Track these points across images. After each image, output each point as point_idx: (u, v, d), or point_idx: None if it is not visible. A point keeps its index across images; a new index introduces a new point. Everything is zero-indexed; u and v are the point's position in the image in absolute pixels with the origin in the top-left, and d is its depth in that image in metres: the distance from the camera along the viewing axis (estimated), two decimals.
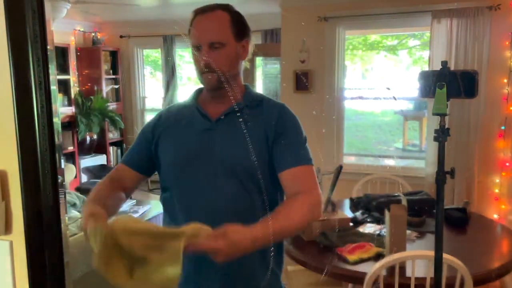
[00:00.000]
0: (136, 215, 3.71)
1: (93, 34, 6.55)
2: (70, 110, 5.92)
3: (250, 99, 1.41)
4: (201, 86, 1.45)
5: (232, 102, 1.38)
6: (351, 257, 2.12)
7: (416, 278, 1.90)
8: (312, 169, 1.36)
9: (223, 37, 1.31)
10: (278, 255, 1.45)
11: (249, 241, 1.11)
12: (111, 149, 6.70)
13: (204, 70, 1.32)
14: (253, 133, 1.34)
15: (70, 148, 5.91)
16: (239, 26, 1.35)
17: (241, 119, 1.36)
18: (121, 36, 6.70)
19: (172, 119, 1.45)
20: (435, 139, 1.52)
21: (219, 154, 1.34)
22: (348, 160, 5.15)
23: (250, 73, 5.87)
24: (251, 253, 1.16)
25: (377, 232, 2.49)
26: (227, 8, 1.34)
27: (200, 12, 1.34)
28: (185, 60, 13.63)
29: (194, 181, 1.35)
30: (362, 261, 2.13)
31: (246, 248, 1.12)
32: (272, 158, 1.34)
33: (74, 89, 6.12)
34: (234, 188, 1.33)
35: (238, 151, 1.33)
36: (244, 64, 1.42)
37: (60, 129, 0.85)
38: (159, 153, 1.43)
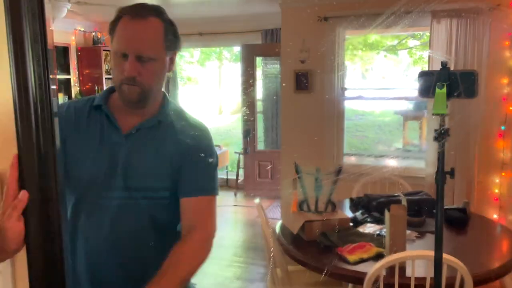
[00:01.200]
0: None
1: (93, 33, 6.55)
2: None
3: (165, 114, 1.28)
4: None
5: (146, 115, 1.26)
6: (351, 257, 2.12)
7: (416, 278, 1.90)
8: (212, 200, 1.27)
9: (155, 52, 1.18)
10: None
11: None
12: None
13: (125, 81, 1.17)
14: (161, 153, 1.23)
15: None
16: (171, 38, 1.24)
17: (154, 135, 1.25)
18: None
19: (76, 119, 1.26)
20: (435, 139, 1.52)
21: (126, 172, 1.22)
22: (348, 160, 5.15)
23: (250, 74, 5.87)
24: None
25: (377, 232, 2.49)
26: (161, 14, 1.21)
27: (130, 14, 1.17)
28: (186, 60, 13.66)
29: (97, 198, 1.22)
30: (362, 261, 2.13)
31: None
32: (175, 183, 1.24)
33: (74, 89, 6.12)
34: (134, 217, 1.24)
35: (145, 170, 1.23)
36: (168, 74, 1.32)
37: None
38: (67, 161, 1.21)
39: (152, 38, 1.18)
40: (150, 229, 1.26)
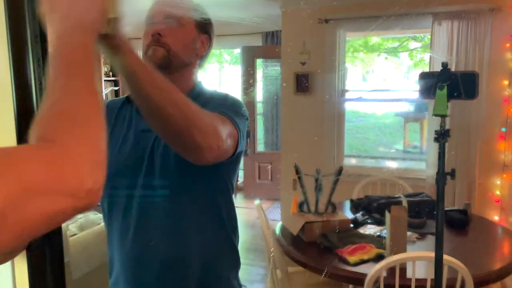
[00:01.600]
0: None
1: None
2: None
3: (197, 96, 1.22)
4: None
5: None
6: (352, 258, 2.11)
7: (417, 280, 1.89)
8: (224, 118, 1.12)
9: (183, 16, 1.19)
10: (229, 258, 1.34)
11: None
12: None
13: (152, 43, 1.19)
14: None
15: None
16: (202, 19, 1.25)
17: None
18: None
19: (110, 115, 1.29)
20: (436, 140, 1.52)
21: (152, 156, 1.20)
22: (349, 161, 5.16)
23: (251, 75, 5.88)
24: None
25: (378, 233, 2.49)
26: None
27: None
28: None
29: (133, 184, 1.21)
30: (362, 262, 2.12)
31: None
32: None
33: None
34: (172, 184, 1.21)
35: (172, 158, 1.18)
36: (201, 69, 1.33)
37: None
38: None
39: (180, 4, 1.21)
40: (185, 214, 1.23)
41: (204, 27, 1.26)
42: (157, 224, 1.22)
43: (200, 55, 1.29)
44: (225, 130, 1.08)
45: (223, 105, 1.20)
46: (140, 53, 1.18)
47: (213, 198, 1.27)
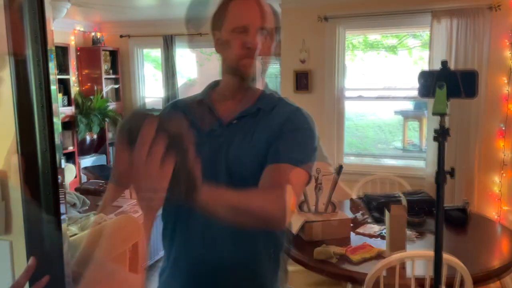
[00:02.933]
0: (136, 215, 3.71)
1: (93, 33, 6.55)
2: (70, 110, 5.92)
3: (266, 101, 1.28)
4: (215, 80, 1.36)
5: (247, 103, 1.27)
6: (354, 257, 2.12)
7: (416, 278, 1.90)
8: (292, 169, 1.16)
9: (271, 23, 1.22)
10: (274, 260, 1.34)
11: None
12: (111, 149, 6.69)
13: (244, 55, 1.19)
14: (260, 139, 1.22)
15: (70, 148, 5.91)
16: (277, 19, 1.28)
17: (254, 124, 1.24)
18: (121, 36, 6.70)
19: (182, 114, 1.32)
20: (435, 139, 1.52)
21: (229, 159, 1.23)
22: (348, 160, 5.15)
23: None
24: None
25: (377, 232, 2.49)
26: None
27: None
28: (186, 61, 13.62)
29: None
30: (364, 260, 2.13)
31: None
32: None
33: (74, 89, 6.12)
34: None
35: (244, 159, 1.22)
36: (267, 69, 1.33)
37: (60, 129, 0.85)
38: None
39: (269, 11, 1.21)
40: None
41: (278, 32, 1.28)
42: (221, 228, 1.18)
43: (272, 54, 1.29)
44: (301, 189, 1.21)
45: (298, 143, 1.21)
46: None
47: None
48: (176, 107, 1.36)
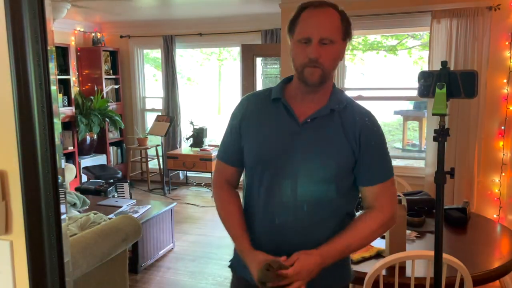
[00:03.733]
0: (136, 215, 3.72)
1: (93, 34, 6.55)
2: (70, 110, 5.93)
3: (336, 102, 1.41)
4: (284, 78, 1.49)
5: (319, 104, 1.40)
6: (354, 256, 2.12)
7: (416, 278, 1.90)
8: (392, 182, 1.43)
9: (334, 35, 1.32)
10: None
11: (319, 266, 1.31)
12: (111, 149, 6.70)
13: (308, 64, 1.32)
14: (340, 136, 1.38)
15: (70, 148, 5.91)
16: (346, 26, 1.36)
17: (328, 123, 1.39)
18: (121, 36, 6.71)
19: (255, 110, 1.47)
20: (435, 139, 1.52)
21: (305, 155, 1.37)
22: None
23: (250, 73, 5.88)
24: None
25: None
26: (336, 7, 1.36)
27: (311, 6, 1.34)
28: (186, 61, 13.63)
29: (278, 177, 1.39)
30: (364, 260, 2.13)
31: (316, 271, 1.32)
32: (354, 168, 1.40)
33: (74, 89, 6.12)
34: (313, 190, 1.38)
35: (324, 153, 1.37)
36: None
37: (60, 129, 0.85)
38: (244, 147, 1.47)
39: (331, 23, 1.33)
40: (325, 207, 1.40)
41: (348, 33, 1.38)
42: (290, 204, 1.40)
43: (341, 59, 1.42)
44: (393, 204, 1.45)
45: (384, 158, 1.44)
46: None
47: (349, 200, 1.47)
48: (249, 101, 1.51)
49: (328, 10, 1.33)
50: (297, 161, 1.37)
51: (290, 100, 1.42)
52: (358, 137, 1.38)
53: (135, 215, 3.71)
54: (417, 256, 1.93)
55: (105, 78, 6.49)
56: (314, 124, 1.39)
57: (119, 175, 5.70)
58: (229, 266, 1.62)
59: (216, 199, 1.55)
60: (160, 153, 6.48)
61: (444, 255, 1.70)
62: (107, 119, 6.23)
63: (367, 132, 1.39)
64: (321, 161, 1.36)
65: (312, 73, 1.33)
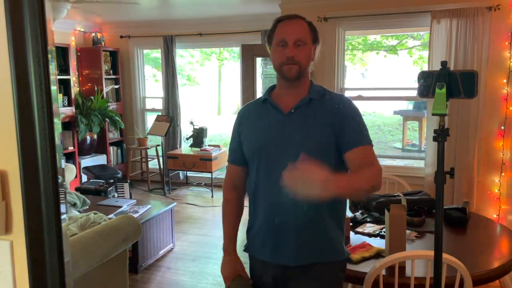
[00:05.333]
0: (136, 215, 3.72)
1: (93, 34, 6.55)
2: (70, 110, 5.93)
3: (315, 93, 1.68)
4: (271, 84, 1.77)
5: (300, 96, 1.67)
6: (354, 257, 2.12)
7: (416, 278, 1.90)
8: (370, 148, 1.62)
9: (306, 38, 1.62)
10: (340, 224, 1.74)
11: (322, 180, 1.32)
12: (111, 149, 6.70)
13: (286, 63, 1.61)
14: (320, 119, 1.62)
15: (70, 148, 5.92)
16: (314, 33, 1.67)
17: (309, 110, 1.64)
18: (121, 37, 6.71)
19: (249, 114, 1.77)
20: (435, 139, 1.53)
21: (293, 139, 1.61)
22: None
23: (250, 73, 5.87)
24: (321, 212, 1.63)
25: (377, 232, 2.49)
26: (304, 18, 1.67)
27: (285, 19, 1.66)
28: (186, 61, 13.64)
29: (272, 161, 1.63)
30: (364, 259, 2.13)
31: (317, 183, 1.32)
32: (338, 140, 1.60)
33: (74, 89, 6.12)
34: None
35: (308, 134, 1.61)
36: (311, 66, 1.69)
37: (60, 129, 0.85)
38: (242, 144, 1.75)
39: (303, 29, 1.64)
40: None
41: (316, 39, 1.68)
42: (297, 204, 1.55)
43: (313, 60, 1.69)
44: (377, 163, 1.59)
45: (360, 128, 1.64)
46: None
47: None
48: (245, 108, 1.82)
49: (299, 21, 1.65)
50: (286, 145, 1.61)
51: (276, 99, 1.71)
52: (337, 110, 1.62)
53: (135, 215, 3.71)
54: (417, 256, 1.93)
55: (105, 78, 6.49)
56: (297, 113, 1.65)
57: (119, 175, 5.70)
58: (245, 250, 1.83)
59: (223, 197, 1.87)
60: (160, 153, 6.48)
61: (444, 255, 1.71)
62: (107, 119, 6.24)
63: (344, 105, 1.65)
64: (306, 140, 1.60)
65: (289, 69, 1.61)
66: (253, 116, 1.75)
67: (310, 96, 1.66)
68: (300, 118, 1.64)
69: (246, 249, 1.81)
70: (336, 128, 1.60)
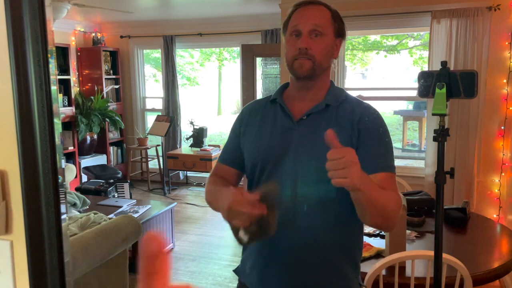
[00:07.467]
0: (136, 215, 3.72)
1: (93, 34, 6.55)
2: (71, 110, 5.93)
3: (333, 98, 1.38)
4: (285, 82, 1.48)
5: (315, 100, 1.38)
6: None
7: (416, 278, 1.90)
8: (394, 177, 1.33)
9: (324, 27, 1.32)
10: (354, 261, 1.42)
11: (360, 172, 1.09)
12: (111, 149, 6.70)
13: (298, 56, 1.32)
14: (335, 131, 1.23)
15: (71, 148, 5.92)
16: (338, 24, 1.37)
17: (323, 119, 1.35)
18: (121, 37, 6.71)
19: (255, 114, 1.47)
20: (435, 139, 1.53)
21: (298, 151, 1.33)
22: None
23: (250, 74, 5.88)
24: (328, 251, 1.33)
25: (377, 232, 2.49)
26: (327, 5, 1.38)
27: (303, 4, 1.37)
28: (186, 61, 13.65)
29: (271, 174, 1.36)
30: (364, 259, 2.13)
31: (356, 174, 1.07)
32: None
33: (74, 89, 6.12)
34: (313, 186, 1.32)
35: (317, 148, 1.28)
36: (332, 66, 1.42)
37: (60, 129, 0.85)
38: (243, 148, 1.46)
39: (321, 16, 1.34)
40: (328, 204, 1.34)
41: (340, 31, 1.38)
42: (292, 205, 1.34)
43: (335, 57, 1.40)
44: (400, 196, 1.32)
45: (384, 149, 1.33)
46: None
47: (338, 202, 1.34)
48: (250, 107, 1.52)
49: (319, 7, 1.35)
50: (292, 157, 1.33)
51: (287, 100, 1.42)
52: (357, 123, 1.32)
53: (135, 215, 3.71)
54: (417, 256, 1.93)
55: (105, 78, 6.49)
56: (308, 120, 1.36)
57: (119, 175, 5.70)
58: (234, 271, 1.58)
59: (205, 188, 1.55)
60: (160, 153, 6.48)
61: (444, 255, 1.71)
62: (107, 119, 6.24)
63: (369, 118, 1.34)
64: (314, 154, 1.30)
65: (301, 65, 1.31)
66: (259, 118, 1.45)
67: (326, 102, 1.36)
68: (311, 128, 1.34)
69: (237, 271, 1.55)
70: (353, 139, 1.31)
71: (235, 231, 1.20)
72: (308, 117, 1.36)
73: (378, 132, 1.34)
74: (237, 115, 1.57)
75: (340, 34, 1.38)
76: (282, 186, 1.29)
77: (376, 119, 1.36)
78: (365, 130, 1.32)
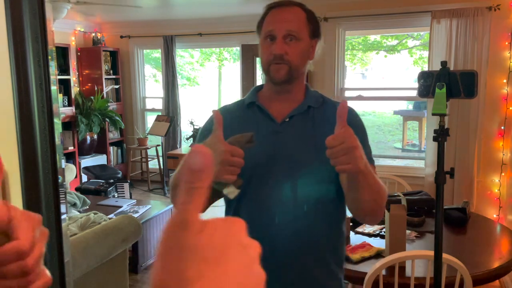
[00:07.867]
0: (136, 215, 3.72)
1: (93, 34, 6.55)
2: (71, 110, 5.93)
3: (313, 99, 1.37)
4: (258, 84, 1.46)
5: (295, 102, 1.36)
6: (354, 256, 2.12)
7: (416, 278, 1.90)
8: (374, 168, 1.32)
9: (299, 31, 1.29)
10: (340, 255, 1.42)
11: (360, 156, 1.07)
12: (111, 149, 6.70)
13: (273, 61, 1.29)
14: (321, 130, 1.24)
15: (71, 148, 5.91)
16: (313, 25, 1.34)
17: (307, 120, 1.34)
18: (121, 36, 6.71)
19: (231, 119, 1.34)
20: (435, 139, 1.53)
21: (288, 153, 1.31)
22: None
23: (250, 74, 5.88)
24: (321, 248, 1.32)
25: (377, 232, 2.49)
26: (302, 6, 1.34)
27: (277, 6, 1.34)
28: (186, 61, 13.64)
29: (261, 182, 1.31)
30: (364, 259, 2.13)
31: (357, 155, 1.06)
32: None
33: (74, 89, 6.12)
34: (310, 187, 1.31)
35: (308, 148, 1.30)
36: (309, 66, 1.39)
37: (60, 129, 0.85)
38: None
39: (296, 19, 1.30)
40: (312, 208, 1.31)
41: (315, 32, 1.34)
42: (283, 211, 1.31)
43: (311, 59, 1.37)
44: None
45: (364, 144, 1.23)
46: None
47: (333, 202, 1.34)
48: (226, 112, 1.39)
49: (293, 8, 1.32)
50: (282, 161, 1.30)
51: (264, 103, 1.37)
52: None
53: (135, 215, 3.71)
54: (417, 256, 1.93)
55: (105, 78, 6.49)
56: (292, 123, 1.33)
57: (119, 175, 5.70)
58: None
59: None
60: (160, 153, 6.48)
61: (444, 255, 1.71)
62: (107, 119, 6.24)
63: (350, 117, 1.28)
64: (305, 154, 1.30)
65: (277, 70, 1.29)
66: (236, 123, 1.35)
67: (308, 103, 1.36)
68: (297, 129, 1.33)
69: None
70: None
71: (221, 187, 1.15)
72: (291, 119, 1.33)
73: (362, 130, 1.35)
74: (210, 117, 1.44)
75: (315, 35, 1.35)
76: (275, 188, 1.28)
77: (357, 117, 1.39)
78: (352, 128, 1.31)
